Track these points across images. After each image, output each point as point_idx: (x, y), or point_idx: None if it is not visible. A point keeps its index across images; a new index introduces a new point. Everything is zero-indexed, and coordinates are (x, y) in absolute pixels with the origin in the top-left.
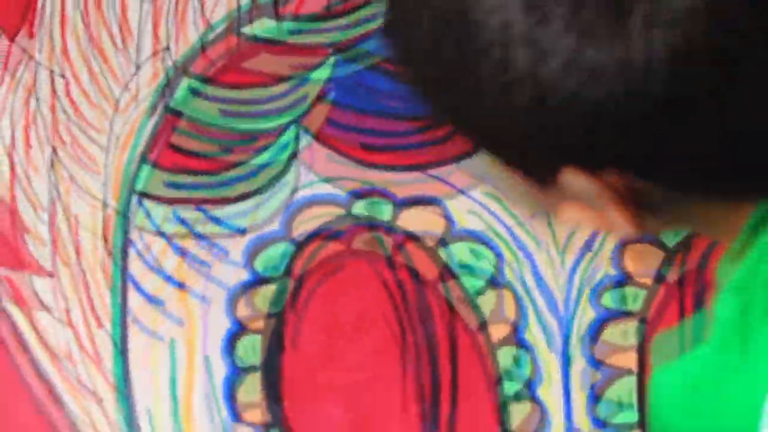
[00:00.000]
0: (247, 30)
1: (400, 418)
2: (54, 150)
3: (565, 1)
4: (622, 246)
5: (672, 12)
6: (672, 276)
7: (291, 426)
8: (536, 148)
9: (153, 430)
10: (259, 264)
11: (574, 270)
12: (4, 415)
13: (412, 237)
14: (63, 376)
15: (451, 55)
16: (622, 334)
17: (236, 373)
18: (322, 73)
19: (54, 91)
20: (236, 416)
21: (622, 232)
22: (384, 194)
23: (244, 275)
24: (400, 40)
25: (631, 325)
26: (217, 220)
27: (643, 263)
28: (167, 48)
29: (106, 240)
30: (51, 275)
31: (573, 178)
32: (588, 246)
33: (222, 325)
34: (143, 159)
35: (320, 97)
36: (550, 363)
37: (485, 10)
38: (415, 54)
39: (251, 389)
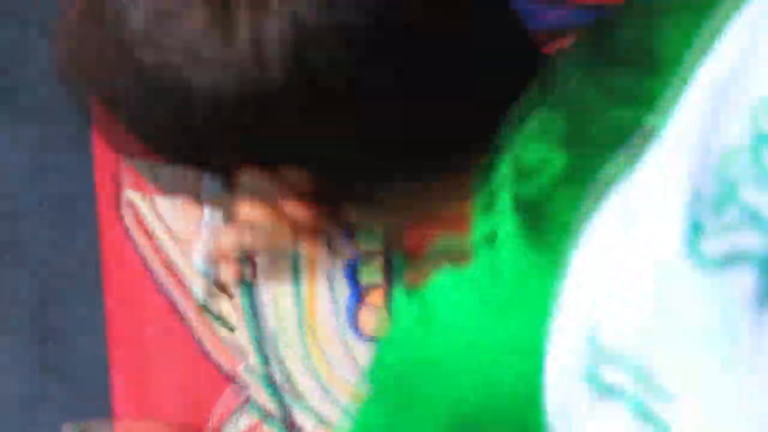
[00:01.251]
0: None
1: None
2: None
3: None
4: None
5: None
6: None
7: None
8: (206, 150)
9: (277, 311)
10: None
11: None
12: (130, 300)
13: None
14: (187, 261)
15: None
16: None
17: (358, 257)
18: None
19: None
20: (358, 297)
21: (305, 230)
22: None
23: None
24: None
25: None
26: None
27: None
28: None
29: None
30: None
31: (250, 177)
32: None
33: None
34: None
35: None
36: None
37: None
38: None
39: (373, 272)
